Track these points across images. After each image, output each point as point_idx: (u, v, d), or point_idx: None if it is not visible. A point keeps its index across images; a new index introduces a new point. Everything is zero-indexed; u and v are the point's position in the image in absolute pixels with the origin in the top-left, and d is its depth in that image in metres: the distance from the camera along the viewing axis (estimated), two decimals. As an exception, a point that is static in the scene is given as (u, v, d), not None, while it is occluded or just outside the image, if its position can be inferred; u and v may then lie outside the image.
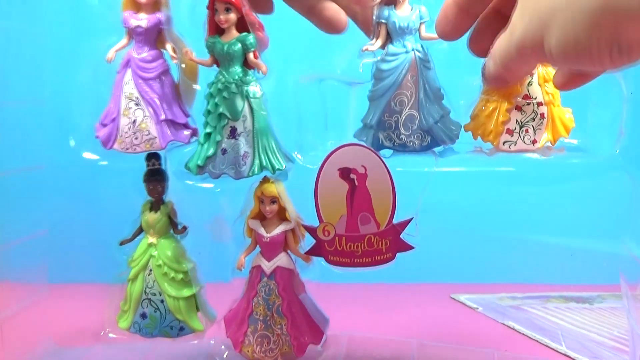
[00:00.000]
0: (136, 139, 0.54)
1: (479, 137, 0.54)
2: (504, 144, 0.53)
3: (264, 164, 0.52)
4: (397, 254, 0.54)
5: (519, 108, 0.52)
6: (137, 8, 0.54)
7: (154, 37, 0.54)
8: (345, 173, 0.52)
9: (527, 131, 0.52)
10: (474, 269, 0.77)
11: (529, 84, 0.52)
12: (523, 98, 0.52)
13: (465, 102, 0.55)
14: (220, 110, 0.51)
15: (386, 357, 0.64)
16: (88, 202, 0.70)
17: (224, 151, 0.52)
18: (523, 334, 0.70)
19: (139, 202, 0.58)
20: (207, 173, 0.53)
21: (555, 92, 0.52)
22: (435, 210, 0.57)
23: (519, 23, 0.36)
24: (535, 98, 0.52)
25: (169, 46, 0.54)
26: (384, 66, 0.51)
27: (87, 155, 0.57)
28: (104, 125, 0.55)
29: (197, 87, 0.55)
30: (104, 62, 0.55)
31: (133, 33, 0.54)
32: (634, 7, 0.28)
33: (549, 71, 0.51)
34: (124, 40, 0.55)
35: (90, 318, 0.62)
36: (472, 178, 0.60)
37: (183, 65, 0.55)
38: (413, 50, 0.51)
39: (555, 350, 0.66)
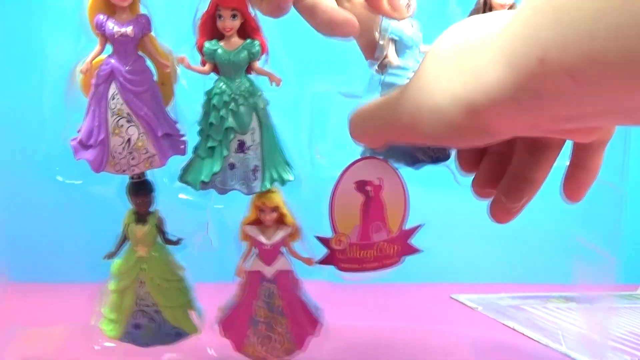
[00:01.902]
0: (133, 159, 0.50)
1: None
2: None
3: (275, 177, 0.52)
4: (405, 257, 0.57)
5: None
6: (111, 10, 0.49)
7: (137, 44, 0.50)
8: (361, 185, 0.53)
9: None
10: (474, 269, 0.77)
11: None
12: None
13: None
14: (228, 124, 0.50)
15: (372, 341, 0.67)
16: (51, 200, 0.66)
17: (232, 166, 0.51)
18: (523, 334, 0.70)
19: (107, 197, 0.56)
20: (213, 189, 0.51)
21: None
22: (435, 211, 0.58)
23: (402, 102, 0.41)
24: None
25: (157, 54, 0.51)
26: (397, 80, 0.51)
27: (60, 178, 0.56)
28: (88, 147, 0.50)
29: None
30: (65, 70, 0.51)
31: (115, 42, 0.49)
32: (485, 104, 0.33)
33: None
34: (98, 48, 0.49)
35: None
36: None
37: (168, 71, 0.52)
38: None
39: (555, 350, 0.67)
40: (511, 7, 0.52)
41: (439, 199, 0.60)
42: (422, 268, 0.58)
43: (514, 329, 0.72)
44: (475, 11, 0.54)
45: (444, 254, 0.74)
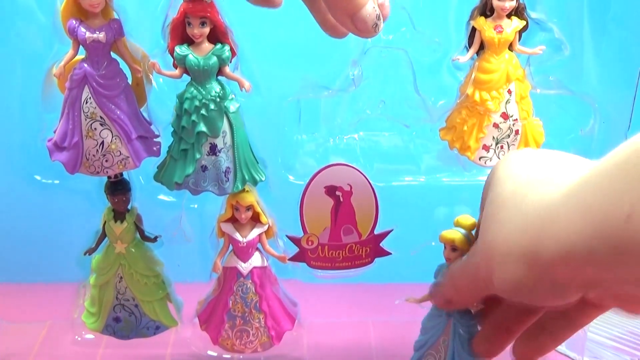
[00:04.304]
0: (107, 161, 0.53)
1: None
2: (480, 159, 0.56)
3: (247, 178, 0.55)
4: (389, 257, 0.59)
5: (496, 125, 0.56)
6: (83, 15, 0.50)
7: (110, 48, 0.51)
8: (331, 190, 0.56)
9: (502, 147, 0.56)
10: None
11: (507, 101, 0.55)
12: (501, 116, 0.55)
13: (445, 103, 0.58)
14: (199, 128, 0.52)
15: (347, 338, 0.69)
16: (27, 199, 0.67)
17: (204, 168, 0.54)
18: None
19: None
20: (187, 190, 0.54)
21: (529, 107, 0.56)
22: (434, 211, 0.61)
23: (476, 252, 0.42)
24: (512, 116, 0.55)
25: (130, 59, 0.52)
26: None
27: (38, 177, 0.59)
28: (62, 149, 0.52)
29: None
30: (38, 71, 0.52)
31: (88, 47, 0.50)
32: (554, 254, 0.32)
33: (526, 87, 0.55)
34: (71, 52, 0.51)
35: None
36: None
37: (140, 75, 0.53)
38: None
39: (555, 350, 0.66)
40: (512, 10, 0.53)
41: (439, 201, 0.63)
42: (423, 268, 0.58)
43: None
44: (476, 9, 0.54)
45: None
